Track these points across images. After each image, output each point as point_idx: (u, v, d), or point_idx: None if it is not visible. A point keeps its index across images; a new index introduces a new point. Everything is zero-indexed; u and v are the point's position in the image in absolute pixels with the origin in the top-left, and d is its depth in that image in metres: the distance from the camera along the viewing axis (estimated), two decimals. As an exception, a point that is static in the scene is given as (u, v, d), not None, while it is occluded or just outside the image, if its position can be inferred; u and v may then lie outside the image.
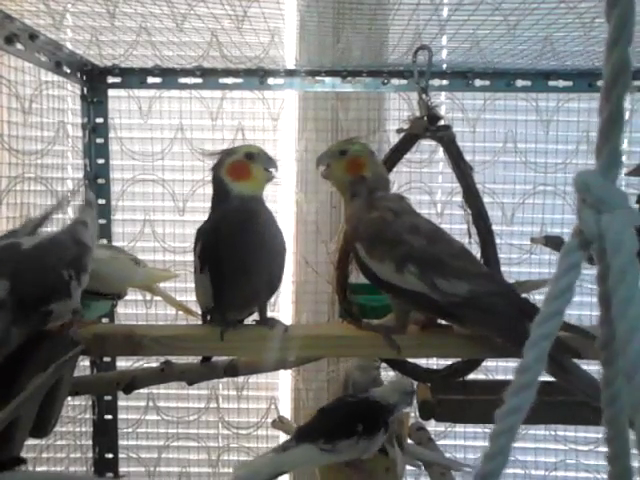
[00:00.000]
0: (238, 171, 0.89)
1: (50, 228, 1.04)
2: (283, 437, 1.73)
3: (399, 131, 1.04)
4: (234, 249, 0.86)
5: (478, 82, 1.55)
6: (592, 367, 0.75)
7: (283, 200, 1.73)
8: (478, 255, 0.99)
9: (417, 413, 1.28)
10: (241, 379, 1.72)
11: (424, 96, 1.03)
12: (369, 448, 1.14)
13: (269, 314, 0.97)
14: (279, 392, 1.80)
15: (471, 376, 1.07)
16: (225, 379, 1.56)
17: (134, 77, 1.54)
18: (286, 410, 1.77)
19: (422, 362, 1.15)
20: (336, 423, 1.14)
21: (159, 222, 1.71)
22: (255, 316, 0.97)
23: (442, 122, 1.03)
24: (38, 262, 0.84)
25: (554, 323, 0.38)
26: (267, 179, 0.92)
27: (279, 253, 0.92)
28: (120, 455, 1.68)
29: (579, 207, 0.37)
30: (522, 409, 0.37)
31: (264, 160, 0.91)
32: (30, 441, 0.84)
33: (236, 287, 0.89)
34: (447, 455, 1.27)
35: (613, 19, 0.35)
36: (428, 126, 1.02)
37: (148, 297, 1.67)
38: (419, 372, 1.08)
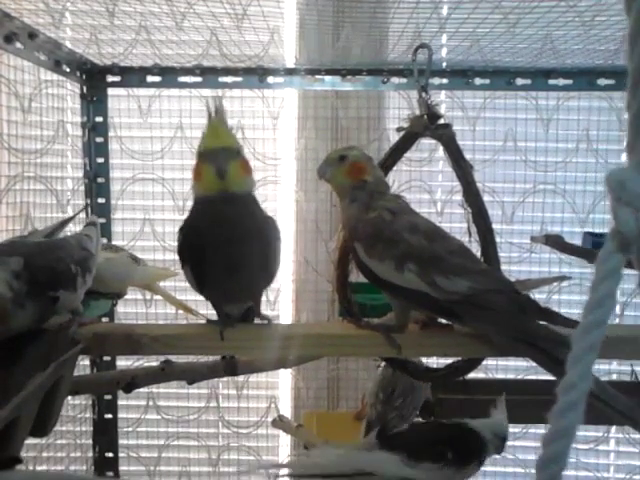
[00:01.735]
0: (195, 171, 0.86)
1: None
2: (283, 436, 1.73)
3: (399, 130, 1.04)
4: (199, 249, 0.86)
5: (478, 80, 1.55)
6: (594, 366, 0.75)
7: (283, 199, 1.73)
8: (478, 254, 0.99)
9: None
10: (241, 378, 1.72)
11: (424, 95, 1.03)
12: (453, 478, 1.03)
13: (269, 314, 0.97)
14: (279, 391, 1.80)
15: (471, 375, 1.07)
16: (225, 378, 1.57)
17: (134, 76, 1.54)
18: (286, 409, 1.77)
19: (422, 361, 1.15)
20: (424, 443, 1.05)
21: (159, 221, 1.71)
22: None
23: (442, 121, 1.03)
24: (49, 251, 0.88)
25: (597, 334, 0.34)
26: (218, 177, 0.81)
27: (263, 246, 0.88)
28: (120, 454, 1.68)
29: (614, 207, 0.34)
30: (571, 431, 0.34)
31: (210, 160, 0.82)
32: (30, 440, 0.85)
33: (216, 283, 0.88)
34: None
35: (633, 12, 0.34)
36: (428, 125, 1.01)
37: (148, 296, 1.67)
38: (419, 371, 1.08)
